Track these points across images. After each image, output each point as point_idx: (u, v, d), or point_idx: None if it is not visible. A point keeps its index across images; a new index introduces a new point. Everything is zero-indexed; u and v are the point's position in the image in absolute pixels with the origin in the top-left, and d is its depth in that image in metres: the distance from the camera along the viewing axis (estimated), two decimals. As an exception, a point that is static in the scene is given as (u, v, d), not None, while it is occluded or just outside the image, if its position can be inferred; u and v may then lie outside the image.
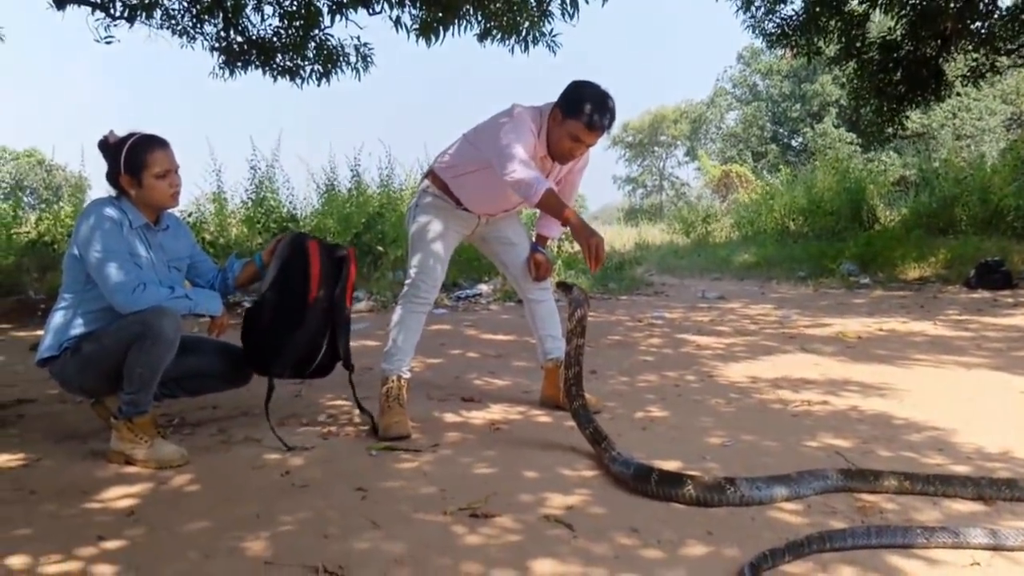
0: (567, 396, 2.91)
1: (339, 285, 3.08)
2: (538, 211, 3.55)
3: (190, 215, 9.66)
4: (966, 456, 2.80)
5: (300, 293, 3.01)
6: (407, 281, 3.35)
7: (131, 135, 2.89)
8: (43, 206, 10.69)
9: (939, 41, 11.31)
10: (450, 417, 3.45)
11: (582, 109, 3.05)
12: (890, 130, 12.83)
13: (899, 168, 19.59)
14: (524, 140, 3.04)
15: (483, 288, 8.55)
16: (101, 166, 2.93)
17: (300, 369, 3.12)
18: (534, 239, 3.59)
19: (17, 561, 1.99)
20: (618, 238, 19.72)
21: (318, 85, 8.82)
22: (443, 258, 3.33)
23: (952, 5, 10.78)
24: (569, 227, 3.01)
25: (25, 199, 14.04)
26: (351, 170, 10.93)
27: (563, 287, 3.06)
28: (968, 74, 11.87)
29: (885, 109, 12.26)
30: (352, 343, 3.26)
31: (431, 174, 3.37)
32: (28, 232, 8.98)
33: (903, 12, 11.04)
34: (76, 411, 3.51)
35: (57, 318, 2.87)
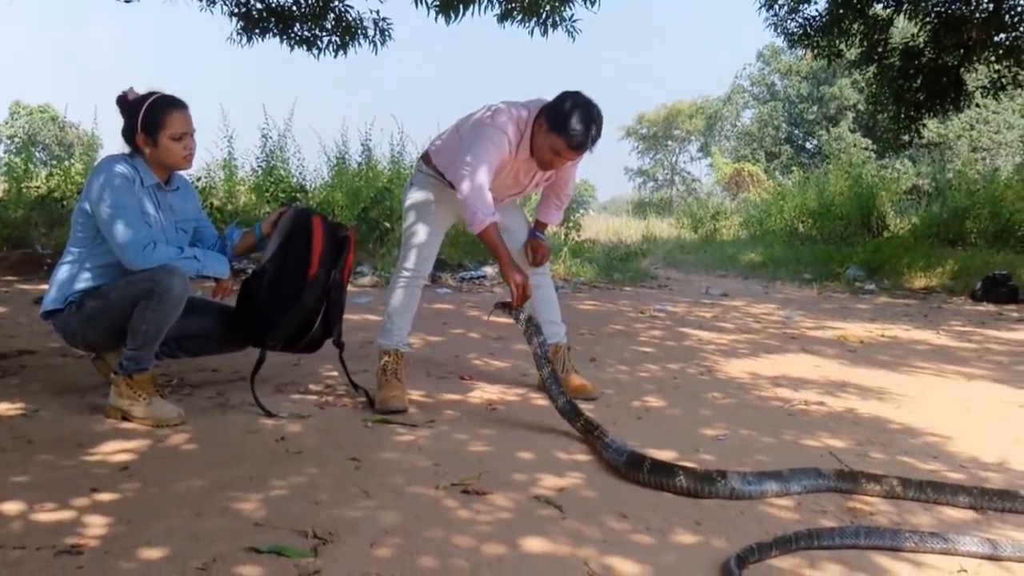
0: (549, 397, 2.93)
1: (339, 264, 3.09)
2: (539, 196, 3.57)
3: (199, 180, 9.66)
4: (960, 464, 2.80)
5: (300, 268, 3.02)
6: (401, 257, 3.35)
7: (151, 94, 2.89)
8: (54, 162, 10.70)
9: (962, 50, 11.22)
10: (448, 395, 3.45)
11: (567, 127, 3.02)
12: (906, 137, 12.75)
13: (912, 176, 19.45)
14: (497, 153, 3.06)
15: (487, 270, 8.54)
16: (114, 126, 2.94)
17: (291, 343, 3.13)
18: (533, 224, 3.60)
19: (12, 507, 2.01)
20: (625, 230, 19.68)
21: (335, 57, 8.79)
22: (436, 234, 3.33)
23: (977, 16, 10.69)
24: (498, 263, 3.14)
25: (37, 155, 14.04)
26: (362, 144, 10.90)
27: (502, 306, 3.18)
28: (989, 85, 11.77)
29: (903, 116, 12.19)
30: (355, 317, 3.28)
31: (426, 156, 3.38)
32: (38, 187, 8.98)
33: (927, 19, 10.96)
34: (77, 365, 3.52)
35: (63, 272, 2.88)
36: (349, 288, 3.26)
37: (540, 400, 3.44)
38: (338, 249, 3.11)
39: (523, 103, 3.18)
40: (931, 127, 24.21)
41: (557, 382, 2.94)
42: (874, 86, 12.50)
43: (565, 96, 3.09)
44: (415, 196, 3.34)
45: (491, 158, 3.04)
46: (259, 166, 10.39)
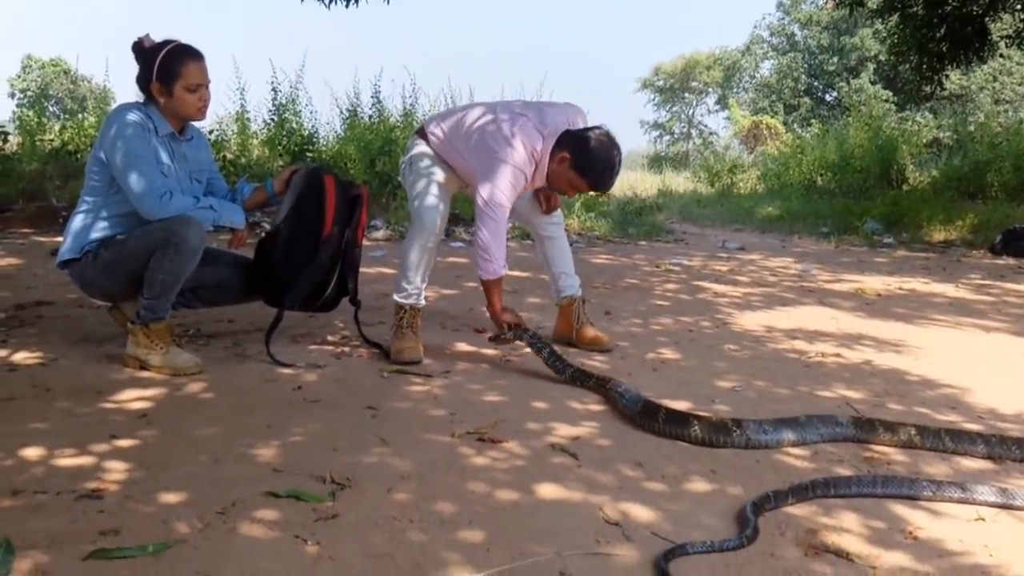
0: (556, 372, 2.97)
1: (352, 223, 3.10)
2: None
3: (211, 133, 9.61)
4: (978, 416, 2.78)
5: (314, 228, 3.03)
6: (413, 216, 3.30)
7: (167, 42, 2.85)
8: (67, 116, 10.67)
9: (987, -1, 10.94)
10: (462, 346, 3.46)
11: (594, 172, 3.07)
12: (928, 89, 12.52)
13: (933, 129, 19.08)
14: (514, 194, 3.09)
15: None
16: (126, 79, 2.91)
17: (307, 303, 3.15)
18: None
19: (32, 453, 2.03)
20: (640, 184, 19.51)
21: (346, 7, 8.67)
22: (445, 194, 3.26)
23: (1005, -39, 10.40)
24: (488, 308, 3.20)
25: (50, 108, 14.00)
26: (373, 96, 10.78)
27: (495, 339, 3.17)
28: (1014, 35, 11.49)
29: (925, 67, 11.94)
30: (370, 270, 3.28)
31: (423, 132, 3.33)
32: (52, 140, 8.98)
33: (953, -35, 10.67)
34: (94, 315, 3.55)
35: (78, 221, 2.88)
36: (364, 243, 3.25)
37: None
38: (351, 207, 3.11)
39: (536, 124, 3.09)
40: (953, 79, 23.74)
41: (558, 358, 2.99)
42: (896, 36, 12.22)
43: (589, 136, 3.06)
44: (418, 157, 3.28)
45: (510, 199, 3.08)
46: (271, 119, 10.32)
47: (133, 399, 2.52)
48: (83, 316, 3.61)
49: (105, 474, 1.93)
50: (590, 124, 3.43)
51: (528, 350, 3.10)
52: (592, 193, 3.28)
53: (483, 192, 3.04)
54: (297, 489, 1.87)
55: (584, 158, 3.04)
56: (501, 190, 3.03)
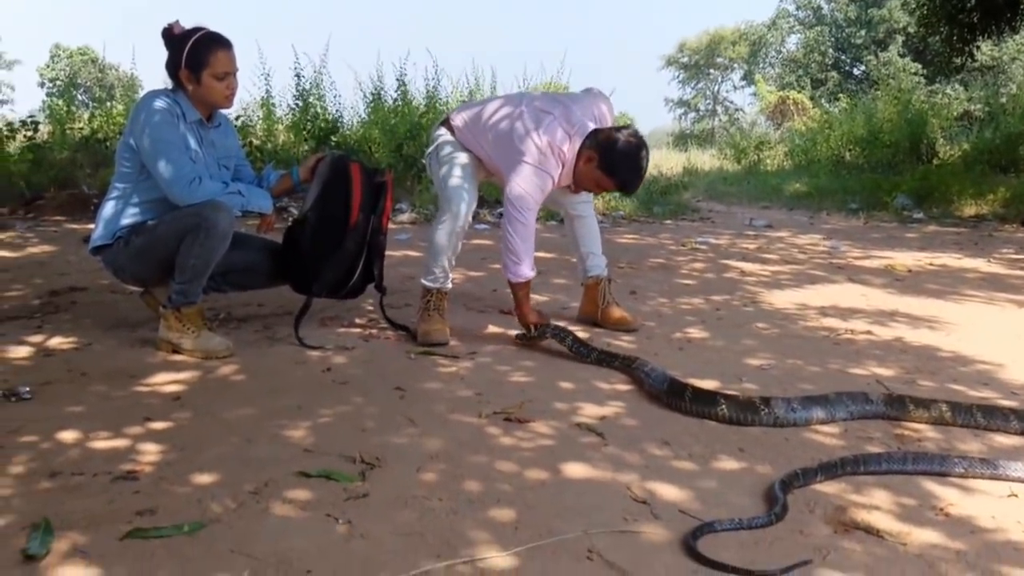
0: (580, 358, 2.97)
1: (377, 210, 3.12)
2: None
3: (237, 119, 9.66)
4: (1011, 391, 2.74)
5: (341, 216, 3.06)
6: (442, 202, 3.30)
7: (197, 29, 2.87)
8: (96, 104, 10.77)
9: (1021, -34, 10.69)
10: (489, 328, 3.47)
11: (621, 173, 3.06)
12: (958, 60, 12.29)
13: (964, 102, 18.72)
14: (542, 196, 3.10)
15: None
16: (153, 67, 2.93)
17: (335, 290, 3.18)
18: None
19: (69, 436, 2.07)
20: (666, 162, 19.35)
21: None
22: (471, 177, 3.25)
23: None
24: (516, 308, 3.25)
25: (78, 97, 14.16)
26: (397, 80, 10.77)
27: (521, 337, 3.18)
28: (1048, 3, 11.23)
29: (955, 38, 11.71)
30: (396, 253, 3.29)
31: (448, 123, 3.33)
32: (81, 128, 9.08)
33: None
34: (127, 301, 3.60)
35: (108, 208, 2.92)
36: (389, 226, 3.27)
37: (580, 333, 3.42)
38: (376, 194, 3.13)
39: (563, 123, 3.06)
40: (984, 50, 23.23)
41: (582, 344, 3.00)
42: (925, 7, 11.99)
43: (618, 137, 3.04)
44: (443, 145, 3.29)
45: (537, 201, 3.09)
46: (295, 104, 10.35)
47: (166, 382, 2.56)
48: (116, 301, 3.67)
49: (140, 456, 1.97)
50: (613, 105, 3.42)
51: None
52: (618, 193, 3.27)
53: (510, 194, 3.04)
54: (328, 469, 1.90)
55: (611, 159, 3.03)
56: (528, 192, 3.03)
